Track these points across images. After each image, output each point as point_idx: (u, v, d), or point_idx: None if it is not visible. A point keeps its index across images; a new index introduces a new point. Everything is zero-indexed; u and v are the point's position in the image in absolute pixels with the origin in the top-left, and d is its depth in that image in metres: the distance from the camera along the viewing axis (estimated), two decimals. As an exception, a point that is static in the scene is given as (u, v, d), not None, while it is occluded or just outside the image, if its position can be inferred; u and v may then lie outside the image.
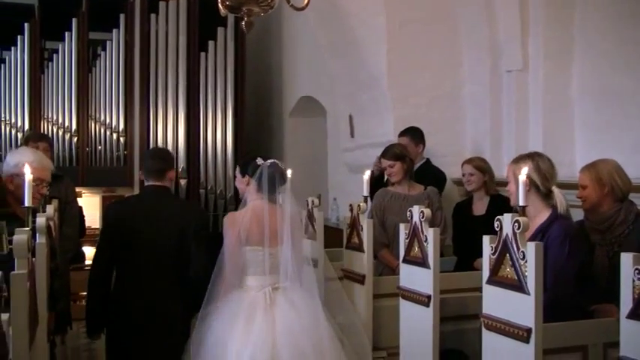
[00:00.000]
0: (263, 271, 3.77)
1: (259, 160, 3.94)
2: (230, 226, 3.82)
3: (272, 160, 3.94)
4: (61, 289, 4.46)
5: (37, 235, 3.25)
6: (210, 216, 8.82)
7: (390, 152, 5.29)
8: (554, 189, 3.64)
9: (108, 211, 4.39)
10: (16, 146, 8.10)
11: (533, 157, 3.72)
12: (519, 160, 3.72)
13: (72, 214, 5.50)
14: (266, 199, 3.85)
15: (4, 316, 1.80)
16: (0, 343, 1.66)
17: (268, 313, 3.64)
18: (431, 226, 3.83)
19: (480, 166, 5.38)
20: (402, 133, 6.04)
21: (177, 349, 3.79)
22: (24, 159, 3.86)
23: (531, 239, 3.44)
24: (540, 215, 3.63)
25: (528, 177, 3.59)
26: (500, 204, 5.04)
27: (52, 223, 3.83)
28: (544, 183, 3.63)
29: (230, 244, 3.78)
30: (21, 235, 2.69)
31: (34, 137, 6.03)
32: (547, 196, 3.65)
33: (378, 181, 5.70)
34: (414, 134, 6.02)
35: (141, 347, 4.07)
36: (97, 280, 4.22)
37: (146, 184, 4.30)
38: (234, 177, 4.15)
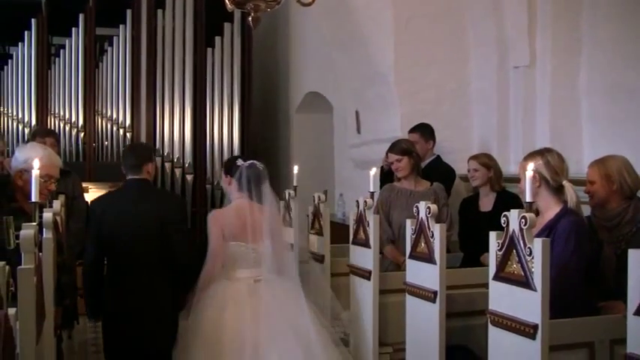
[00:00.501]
0: (248, 264, 4.13)
1: (239, 161, 4.31)
2: (213, 223, 4.16)
3: (251, 161, 4.29)
4: (68, 284, 4.47)
5: (44, 230, 3.25)
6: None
7: (398, 147, 5.28)
8: (566, 183, 3.62)
9: (92, 205, 4.55)
10: (23, 141, 8.12)
11: (542, 153, 3.70)
12: (530, 156, 3.70)
13: (79, 210, 5.52)
14: (246, 197, 4.19)
15: (12, 311, 1.81)
16: (7, 337, 1.66)
17: (251, 303, 3.98)
18: (437, 222, 3.82)
19: (485, 162, 5.37)
20: (412, 130, 6.04)
21: (168, 331, 4.10)
22: (33, 155, 3.85)
23: (540, 235, 3.44)
24: (551, 210, 3.62)
25: (538, 172, 3.59)
26: (507, 200, 5.03)
27: (58, 219, 3.84)
28: (554, 177, 3.61)
29: (214, 240, 4.12)
30: (28, 230, 2.69)
31: (41, 132, 6.03)
32: (558, 190, 3.63)
33: (387, 177, 5.70)
34: (424, 130, 6.02)
35: (134, 329, 4.25)
36: (89, 270, 4.43)
37: (127, 178, 4.49)
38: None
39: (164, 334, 4.14)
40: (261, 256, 4.13)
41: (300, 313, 3.98)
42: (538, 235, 3.36)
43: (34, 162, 3.46)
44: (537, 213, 3.71)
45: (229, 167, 4.46)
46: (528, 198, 3.15)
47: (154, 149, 9.01)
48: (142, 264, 4.28)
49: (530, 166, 3.28)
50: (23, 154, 3.99)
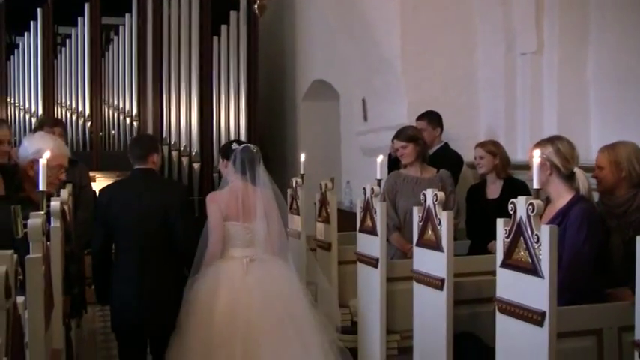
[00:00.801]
0: (243, 243, 4.33)
1: (234, 145, 4.57)
2: (211, 203, 4.39)
3: (245, 145, 4.58)
4: (76, 273, 4.49)
5: (52, 219, 3.26)
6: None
7: (403, 134, 5.27)
8: (577, 170, 3.62)
9: (101, 193, 4.75)
10: (30, 131, 8.13)
11: (553, 140, 3.69)
12: (540, 144, 3.69)
13: (86, 199, 5.54)
14: (239, 179, 4.39)
15: (20, 299, 1.81)
16: (16, 325, 1.67)
17: (245, 280, 4.20)
18: (444, 209, 3.82)
19: (491, 149, 5.36)
20: (420, 117, 6.04)
21: (170, 309, 4.30)
22: (44, 145, 3.87)
23: (551, 222, 3.43)
24: (562, 199, 3.61)
25: (549, 160, 3.58)
26: (515, 187, 5.04)
27: (66, 208, 3.85)
28: (565, 165, 3.60)
29: (213, 220, 4.34)
30: (35, 219, 2.70)
31: (50, 122, 6.04)
32: (569, 178, 3.62)
33: (395, 164, 5.70)
34: (432, 118, 6.01)
35: (139, 307, 4.45)
36: (97, 256, 4.68)
37: (134, 167, 4.72)
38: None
39: (167, 312, 4.33)
40: (254, 236, 4.34)
41: (292, 293, 4.24)
42: (550, 223, 3.36)
43: (46, 153, 3.47)
44: (549, 201, 3.71)
45: (225, 151, 4.70)
46: (536, 185, 3.14)
47: (161, 139, 9.05)
48: (147, 248, 4.48)
49: (537, 153, 3.27)
50: (34, 144, 3.99)
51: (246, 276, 4.24)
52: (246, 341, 4.06)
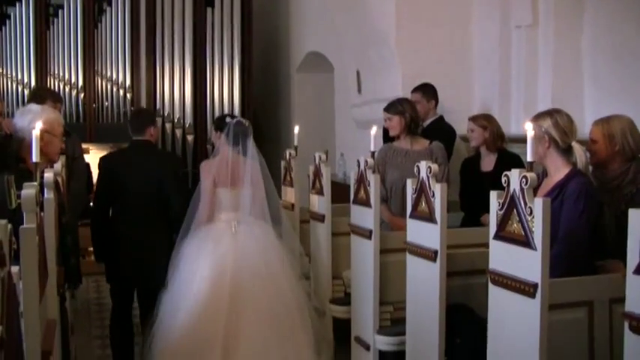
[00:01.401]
0: (231, 207, 4.71)
1: (228, 119, 4.98)
2: (205, 171, 4.78)
3: (238, 119, 5.02)
4: (72, 245, 4.50)
5: (45, 190, 3.26)
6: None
7: (390, 105, 5.26)
8: (575, 144, 3.61)
9: (101, 161, 5.13)
10: (23, 103, 8.09)
11: (551, 113, 3.67)
12: (538, 117, 3.68)
13: (79, 170, 5.55)
14: (231, 150, 4.76)
15: (15, 269, 1.82)
16: (11, 294, 1.67)
17: (233, 239, 4.62)
18: (438, 180, 3.82)
19: (481, 123, 5.36)
20: (415, 90, 6.04)
21: (158, 268, 4.69)
22: (52, 115, 3.99)
23: (548, 195, 3.44)
24: (559, 172, 3.61)
25: (547, 133, 3.57)
26: (509, 160, 5.04)
27: (59, 179, 3.84)
28: (563, 138, 3.59)
29: (205, 185, 4.72)
30: (29, 190, 2.70)
31: (54, 97, 5.97)
32: (567, 152, 3.61)
33: (388, 136, 5.72)
34: (426, 90, 6.00)
35: (133, 268, 4.96)
36: (97, 217, 5.11)
37: (132, 138, 5.13)
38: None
39: (154, 268, 4.77)
40: (241, 201, 4.74)
41: (273, 251, 4.68)
42: (547, 196, 3.37)
43: (38, 124, 3.46)
44: (545, 174, 3.71)
45: (219, 123, 5.17)
46: (530, 158, 3.15)
47: (154, 111, 9.05)
48: (143, 210, 4.98)
49: (530, 126, 3.26)
50: (41, 115, 3.95)
51: (234, 237, 4.64)
52: (233, 296, 4.43)
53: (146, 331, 4.71)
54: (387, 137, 5.82)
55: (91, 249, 8.19)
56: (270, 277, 4.54)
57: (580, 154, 3.62)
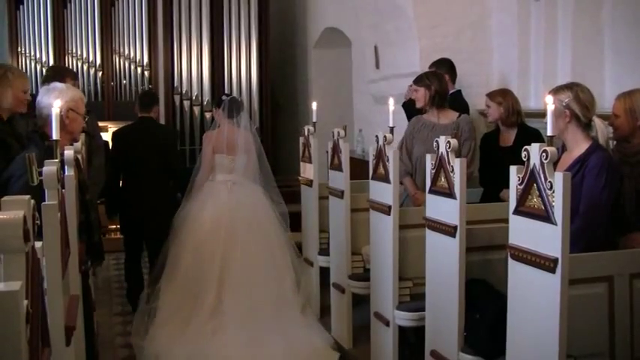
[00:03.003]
0: (227, 170, 5.70)
1: (224, 96, 5.93)
2: (207, 140, 5.80)
3: (232, 96, 6.05)
4: (95, 221, 4.55)
5: (66, 167, 3.28)
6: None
7: (418, 78, 5.29)
8: (595, 119, 3.57)
9: (114, 135, 6.32)
10: (41, 83, 8.12)
11: (572, 87, 3.62)
12: (558, 90, 3.63)
13: (98, 146, 5.60)
14: (227, 122, 5.73)
15: (38, 244, 1.84)
16: (35, 269, 1.69)
17: (228, 195, 5.63)
18: (457, 155, 3.80)
19: (497, 98, 5.33)
20: (430, 65, 5.99)
21: (165, 213, 5.82)
22: (77, 94, 4.05)
23: (569, 170, 3.42)
24: (580, 147, 3.57)
25: (568, 107, 3.54)
26: (528, 135, 5.00)
27: (79, 157, 3.87)
28: (584, 113, 3.55)
29: (206, 153, 5.73)
30: (50, 167, 2.72)
31: (73, 75, 6.01)
32: (587, 126, 3.58)
33: (409, 108, 5.74)
34: (440, 66, 5.95)
35: (143, 222, 6.02)
36: (110, 179, 5.95)
37: (139, 115, 6.20)
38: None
39: (161, 218, 5.82)
40: (236, 165, 5.70)
41: (262, 206, 5.68)
42: (568, 170, 3.35)
43: (57, 102, 3.47)
44: (564, 149, 3.69)
45: (218, 101, 5.99)
46: (550, 132, 3.12)
47: (172, 88, 9.18)
48: (149, 174, 6.03)
49: (550, 99, 3.23)
50: (66, 93, 3.98)
51: (230, 194, 5.63)
52: (226, 239, 5.45)
53: (154, 273, 5.71)
54: (408, 110, 5.84)
55: (112, 226, 8.40)
56: (257, 225, 5.57)
57: (601, 128, 3.58)
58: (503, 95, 5.38)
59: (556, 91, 3.63)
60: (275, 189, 5.90)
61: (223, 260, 5.39)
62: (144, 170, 6.02)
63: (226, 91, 9.35)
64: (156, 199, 6.00)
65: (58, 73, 5.77)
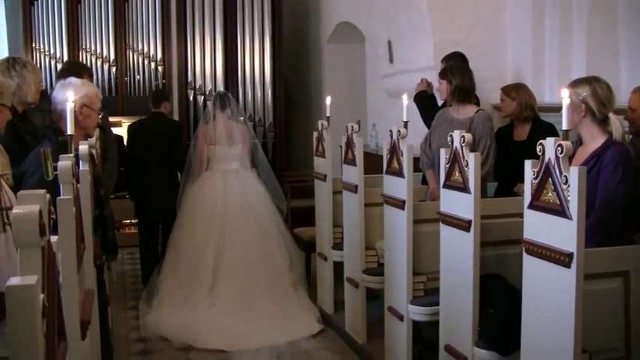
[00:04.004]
0: (223, 160, 6.38)
1: (215, 92, 7.40)
2: (200, 134, 6.48)
3: (224, 91, 7.09)
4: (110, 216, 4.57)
5: (80, 162, 3.29)
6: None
7: (442, 71, 5.25)
8: (611, 115, 3.53)
9: (129, 127, 7.15)
10: (56, 77, 8.15)
11: (590, 81, 3.57)
12: (575, 84, 3.60)
13: (110, 140, 5.63)
14: (219, 114, 6.42)
15: (54, 238, 1.84)
16: (51, 262, 1.70)
17: (224, 182, 6.31)
18: (471, 150, 3.79)
19: (509, 93, 5.32)
20: (442, 59, 5.95)
21: (172, 197, 6.56)
22: (92, 89, 4.10)
23: (585, 164, 3.40)
24: (595, 142, 3.55)
25: (585, 102, 3.50)
26: (543, 129, 4.98)
27: (94, 152, 3.88)
28: (600, 109, 3.51)
29: (199, 146, 6.43)
30: (65, 162, 2.73)
31: (89, 71, 6.12)
32: (603, 122, 3.54)
33: (427, 101, 5.90)
34: (451, 60, 5.88)
35: (155, 205, 6.75)
36: (128, 166, 6.78)
37: (151, 110, 6.94)
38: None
39: (169, 198, 6.57)
40: (231, 155, 6.37)
41: (255, 192, 6.36)
42: (584, 165, 3.33)
43: (70, 95, 3.49)
44: (580, 143, 3.66)
45: (212, 97, 6.86)
46: (565, 126, 3.10)
47: (186, 83, 9.24)
48: (156, 161, 6.67)
49: (565, 94, 3.19)
50: (82, 88, 3.99)
51: (224, 182, 6.29)
52: (221, 220, 6.12)
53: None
54: (419, 103, 5.85)
55: (126, 221, 8.46)
56: (251, 209, 6.21)
57: (617, 125, 3.54)
58: (517, 90, 5.36)
59: (574, 84, 3.59)
60: (272, 175, 6.74)
61: (218, 243, 6.05)
62: (151, 158, 6.68)
63: (239, 86, 9.39)
64: (162, 185, 6.68)
65: (76, 67, 5.81)
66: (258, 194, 6.32)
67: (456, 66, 5.33)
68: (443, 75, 5.19)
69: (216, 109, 6.41)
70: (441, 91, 5.27)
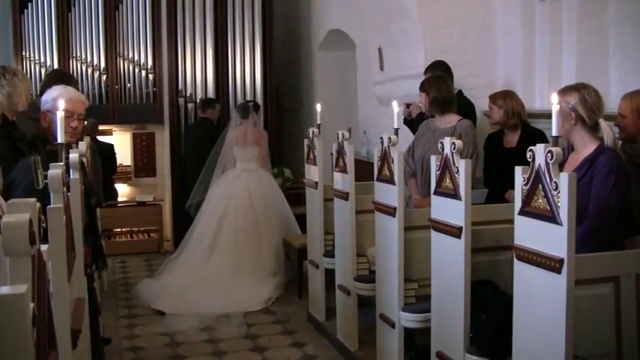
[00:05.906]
0: (244, 160, 7.70)
1: (238, 103, 8.58)
2: (227, 137, 7.75)
3: (243, 102, 8.53)
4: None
5: (71, 170, 3.28)
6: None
7: (420, 83, 5.29)
8: (601, 122, 3.55)
9: (187, 127, 9.20)
10: (42, 85, 8.13)
11: (579, 88, 3.59)
12: (565, 91, 3.62)
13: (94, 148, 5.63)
14: (241, 121, 7.77)
15: (44, 247, 1.84)
16: (41, 271, 1.69)
17: (240, 179, 7.62)
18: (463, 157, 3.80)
19: (496, 100, 5.35)
20: (426, 69, 5.92)
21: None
22: (61, 93, 3.98)
23: (578, 170, 3.41)
24: (587, 148, 3.56)
25: (574, 110, 3.52)
26: (533, 136, 5.00)
27: (84, 160, 3.87)
28: (590, 116, 3.53)
29: (225, 147, 7.75)
30: (55, 170, 2.72)
31: (73, 80, 6.03)
32: (594, 128, 3.56)
33: (410, 124, 5.89)
34: (434, 68, 5.87)
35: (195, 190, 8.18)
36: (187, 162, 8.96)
37: (200, 115, 8.86)
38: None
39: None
40: (249, 155, 7.67)
41: (268, 186, 7.74)
42: (577, 171, 3.34)
43: (59, 102, 3.48)
44: (571, 149, 3.68)
45: (236, 107, 8.26)
46: (555, 132, 3.12)
47: (177, 91, 9.23)
48: (196, 157, 8.38)
49: (555, 99, 3.21)
50: (50, 94, 3.99)
51: (236, 180, 7.59)
52: (225, 211, 7.43)
53: None
54: (409, 126, 5.92)
55: (117, 229, 8.44)
56: (261, 199, 7.48)
57: (608, 131, 3.56)
58: (503, 97, 5.38)
59: (563, 91, 3.62)
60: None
61: (218, 224, 7.39)
62: (194, 155, 8.52)
63: (230, 93, 9.39)
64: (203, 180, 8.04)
65: (66, 78, 5.80)
66: (272, 189, 7.73)
67: (432, 77, 5.36)
68: (421, 88, 5.24)
69: (238, 116, 7.79)
70: (422, 102, 5.32)
